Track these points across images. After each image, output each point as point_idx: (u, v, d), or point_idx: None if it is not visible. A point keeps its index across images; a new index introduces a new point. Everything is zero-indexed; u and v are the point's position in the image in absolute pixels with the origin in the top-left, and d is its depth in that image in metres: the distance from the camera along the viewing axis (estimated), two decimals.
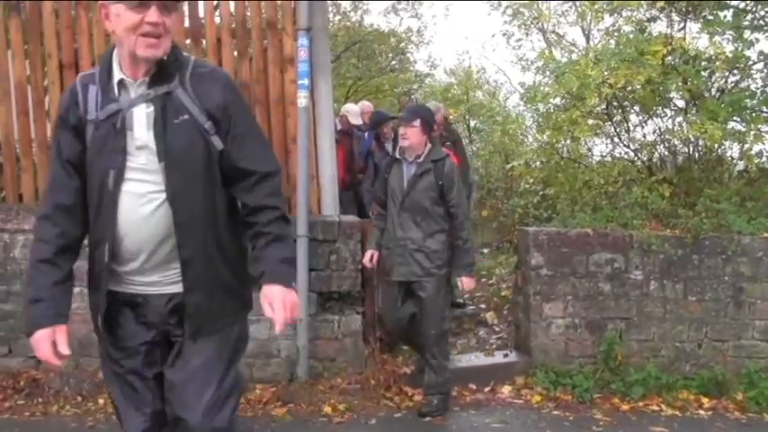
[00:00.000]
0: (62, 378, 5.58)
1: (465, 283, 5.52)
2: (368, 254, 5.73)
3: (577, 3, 13.03)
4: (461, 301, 7.81)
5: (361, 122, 8.82)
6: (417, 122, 5.45)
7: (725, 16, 7.74)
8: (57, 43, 5.93)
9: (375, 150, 8.26)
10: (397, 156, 5.64)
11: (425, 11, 28.36)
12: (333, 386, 5.75)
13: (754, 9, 7.83)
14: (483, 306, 8.23)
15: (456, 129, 8.73)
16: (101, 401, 5.42)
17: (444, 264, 5.46)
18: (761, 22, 7.68)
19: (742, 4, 7.95)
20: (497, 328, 7.63)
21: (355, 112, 8.81)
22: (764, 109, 7.65)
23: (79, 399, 5.49)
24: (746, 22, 7.53)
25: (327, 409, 5.44)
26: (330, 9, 13.59)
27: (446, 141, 7.39)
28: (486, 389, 6.05)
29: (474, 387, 6.08)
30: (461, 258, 5.47)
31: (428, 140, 5.58)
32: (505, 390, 6.08)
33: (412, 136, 5.45)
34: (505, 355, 6.55)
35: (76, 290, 5.70)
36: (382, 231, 5.67)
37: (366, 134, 8.78)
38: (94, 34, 5.95)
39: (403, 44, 18.24)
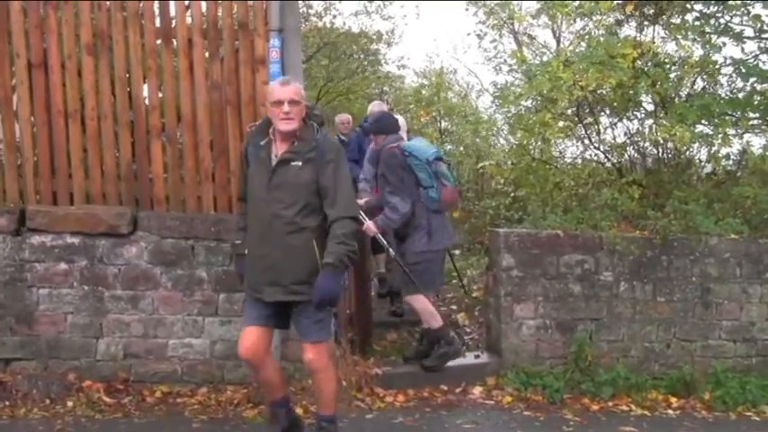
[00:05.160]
0: (30, 380, 5.50)
1: None
2: None
3: (549, 5, 13.12)
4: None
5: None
6: None
7: (693, 20, 7.84)
8: (25, 43, 5.85)
9: None
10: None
11: (396, 11, 28.35)
12: (304, 387, 5.72)
13: (718, 14, 7.94)
14: (454, 307, 8.25)
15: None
16: (69, 404, 5.36)
17: None
18: (726, 27, 7.78)
19: (706, 10, 8.06)
20: (468, 330, 7.66)
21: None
22: (731, 112, 7.76)
23: (47, 401, 5.41)
24: (711, 28, 7.62)
25: (299, 411, 5.42)
26: (301, 10, 13.56)
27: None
28: (458, 390, 6.06)
29: (445, 388, 6.09)
30: None
31: None
32: (476, 390, 6.09)
33: None
34: (476, 356, 6.57)
35: (44, 291, 5.66)
36: None
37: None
38: (63, 34, 5.87)
39: (374, 45, 18.24)
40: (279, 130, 4.33)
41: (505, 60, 16.03)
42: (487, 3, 16.95)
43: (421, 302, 6.07)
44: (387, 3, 17.71)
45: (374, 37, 17.89)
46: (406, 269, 5.96)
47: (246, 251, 4.49)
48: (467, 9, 17.32)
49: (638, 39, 8.17)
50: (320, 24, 16.99)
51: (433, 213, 6.03)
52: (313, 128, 4.39)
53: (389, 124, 6.34)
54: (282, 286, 4.32)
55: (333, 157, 4.32)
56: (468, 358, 6.57)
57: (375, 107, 7.97)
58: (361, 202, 6.84)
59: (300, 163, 4.28)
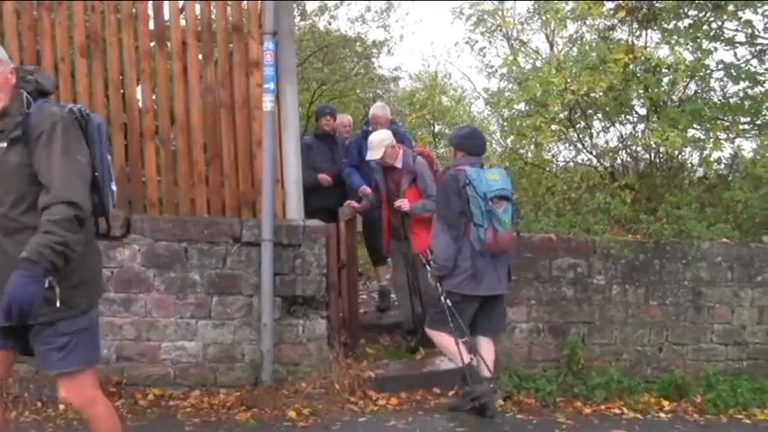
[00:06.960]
0: (22, 383, 5.48)
1: None
2: None
3: (541, 10, 13.16)
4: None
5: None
6: None
7: (685, 26, 7.88)
8: (18, 44, 5.84)
9: None
10: None
11: (392, 21, 28.21)
12: (297, 390, 5.73)
13: (710, 19, 7.98)
14: None
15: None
16: (61, 407, 5.34)
17: None
18: (718, 31, 7.82)
19: (699, 15, 8.09)
20: None
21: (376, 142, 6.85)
22: (723, 117, 7.79)
23: (39, 404, 5.40)
24: (703, 33, 7.66)
25: (292, 414, 5.42)
26: (296, 13, 13.57)
27: None
28: (451, 392, 6.06)
29: (438, 391, 6.10)
30: None
31: None
32: None
33: None
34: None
35: None
36: None
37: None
38: (57, 36, 5.87)
39: (369, 50, 18.20)
40: None
41: (496, 70, 16.05)
42: (477, 3, 16.90)
43: (443, 340, 5.65)
44: (386, 12, 17.65)
45: (370, 44, 17.84)
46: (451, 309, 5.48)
47: None
48: (452, 23, 17.18)
49: (630, 43, 8.19)
50: (314, 29, 16.94)
51: (479, 255, 5.41)
52: (22, 99, 3.29)
53: (476, 145, 5.77)
54: None
55: (43, 130, 3.18)
56: None
57: (378, 110, 7.76)
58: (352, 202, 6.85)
59: (5, 144, 3.21)
